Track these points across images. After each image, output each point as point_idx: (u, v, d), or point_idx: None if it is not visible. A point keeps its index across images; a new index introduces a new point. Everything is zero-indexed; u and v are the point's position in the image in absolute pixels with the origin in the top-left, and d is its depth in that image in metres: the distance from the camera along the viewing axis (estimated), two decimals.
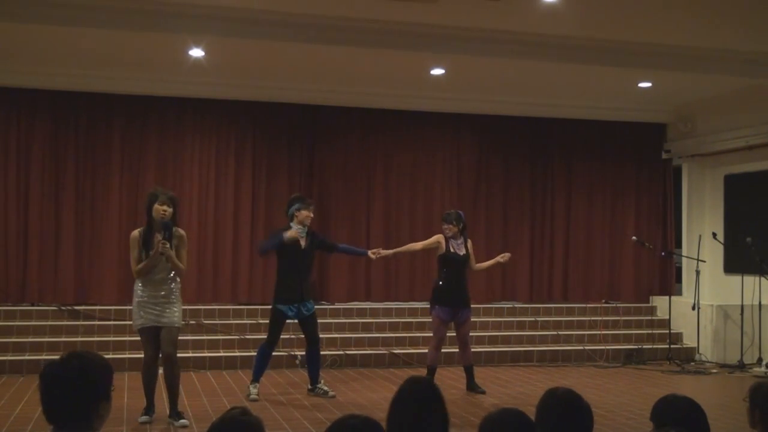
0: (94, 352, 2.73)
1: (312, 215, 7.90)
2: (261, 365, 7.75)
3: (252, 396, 7.61)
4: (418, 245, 8.60)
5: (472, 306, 10.88)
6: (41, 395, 2.52)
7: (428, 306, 10.71)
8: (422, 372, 8.34)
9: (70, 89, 9.88)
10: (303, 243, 7.73)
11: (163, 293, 6.55)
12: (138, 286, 6.59)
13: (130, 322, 7.08)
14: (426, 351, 9.91)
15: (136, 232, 6.64)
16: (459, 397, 8.02)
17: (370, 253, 8.18)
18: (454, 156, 11.27)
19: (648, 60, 9.08)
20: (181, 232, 6.70)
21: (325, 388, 7.89)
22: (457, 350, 8.93)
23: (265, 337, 7.87)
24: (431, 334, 8.47)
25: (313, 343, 7.83)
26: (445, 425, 3.07)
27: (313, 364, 7.90)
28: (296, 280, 7.65)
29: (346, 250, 8.63)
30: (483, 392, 8.18)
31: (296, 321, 7.91)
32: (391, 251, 8.47)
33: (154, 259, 6.48)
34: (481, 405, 7.56)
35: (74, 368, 2.52)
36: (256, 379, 7.74)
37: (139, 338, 6.78)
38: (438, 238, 8.29)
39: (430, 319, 10.51)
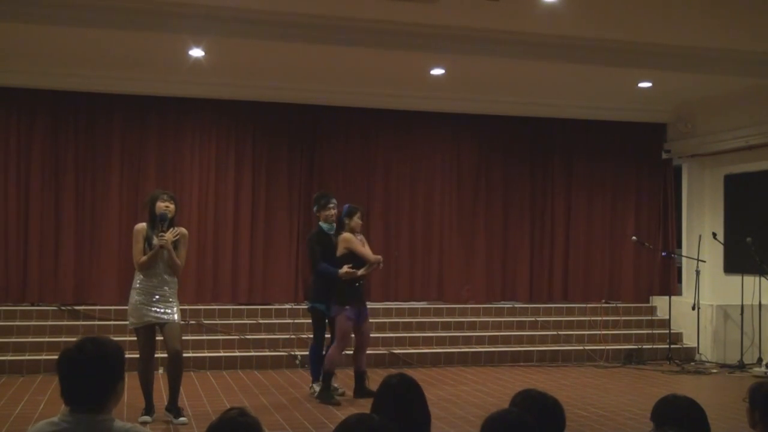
0: (103, 335, 2.86)
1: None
2: (317, 365, 7.76)
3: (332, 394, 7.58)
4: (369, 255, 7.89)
5: (472, 306, 11.01)
6: (61, 380, 2.63)
7: (423, 306, 10.81)
8: (422, 372, 8.35)
9: (70, 89, 9.87)
10: (336, 240, 7.80)
11: (160, 291, 6.57)
12: (135, 285, 6.62)
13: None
14: (426, 351, 9.95)
15: (140, 225, 6.71)
16: (459, 397, 8.01)
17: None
18: (454, 156, 11.26)
19: (648, 60, 9.08)
20: (183, 230, 6.78)
21: (335, 385, 7.93)
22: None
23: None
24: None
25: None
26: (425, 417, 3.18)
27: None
28: (331, 279, 7.63)
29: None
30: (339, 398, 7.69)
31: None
32: (362, 271, 7.76)
33: (156, 253, 6.54)
34: (482, 405, 7.55)
35: (91, 352, 2.63)
36: (316, 378, 7.78)
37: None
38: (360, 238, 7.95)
39: (420, 320, 10.64)
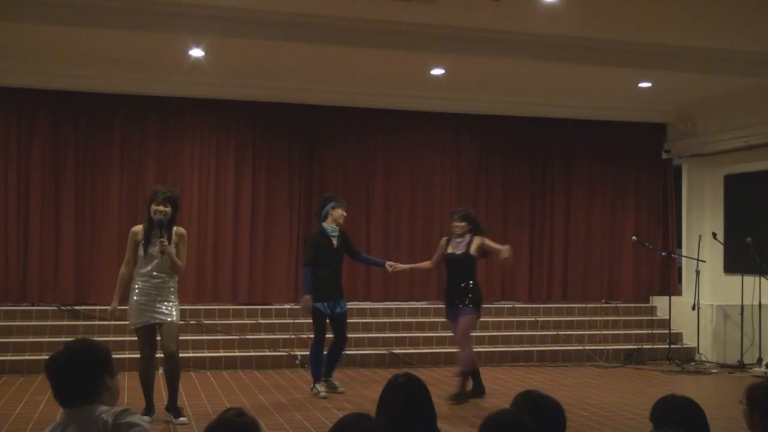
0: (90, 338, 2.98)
1: (345, 214, 8.06)
2: (317, 366, 7.88)
3: (321, 394, 7.76)
4: (432, 262, 8.37)
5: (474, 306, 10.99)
6: (50, 381, 2.75)
7: (427, 306, 10.79)
8: (422, 372, 8.34)
9: (70, 89, 9.87)
10: (335, 242, 7.90)
11: (160, 291, 6.58)
12: (135, 285, 6.62)
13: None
14: (426, 351, 9.95)
15: (136, 228, 6.70)
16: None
17: (387, 264, 8.27)
18: (454, 156, 11.26)
19: (648, 60, 9.08)
20: (182, 231, 6.76)
21: (336, 383, 8.02)
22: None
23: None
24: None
25: (340, 341, 7.99)
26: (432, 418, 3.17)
27: (333, 357, 8.03)
28: (329, 279, 7.82)
29: (367, 261, 8.71)
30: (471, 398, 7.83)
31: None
32: (407, 266, 8.57)
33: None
34: (481, 405, 7.55)
35: (76, 350, 2.76)
36: (317, 379, 7.87)
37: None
38: (441, 241, 8.25)
39: (420, 320, 10.59)
